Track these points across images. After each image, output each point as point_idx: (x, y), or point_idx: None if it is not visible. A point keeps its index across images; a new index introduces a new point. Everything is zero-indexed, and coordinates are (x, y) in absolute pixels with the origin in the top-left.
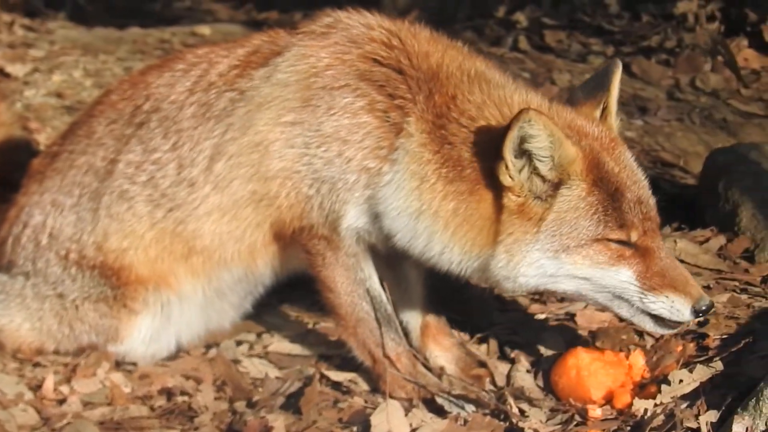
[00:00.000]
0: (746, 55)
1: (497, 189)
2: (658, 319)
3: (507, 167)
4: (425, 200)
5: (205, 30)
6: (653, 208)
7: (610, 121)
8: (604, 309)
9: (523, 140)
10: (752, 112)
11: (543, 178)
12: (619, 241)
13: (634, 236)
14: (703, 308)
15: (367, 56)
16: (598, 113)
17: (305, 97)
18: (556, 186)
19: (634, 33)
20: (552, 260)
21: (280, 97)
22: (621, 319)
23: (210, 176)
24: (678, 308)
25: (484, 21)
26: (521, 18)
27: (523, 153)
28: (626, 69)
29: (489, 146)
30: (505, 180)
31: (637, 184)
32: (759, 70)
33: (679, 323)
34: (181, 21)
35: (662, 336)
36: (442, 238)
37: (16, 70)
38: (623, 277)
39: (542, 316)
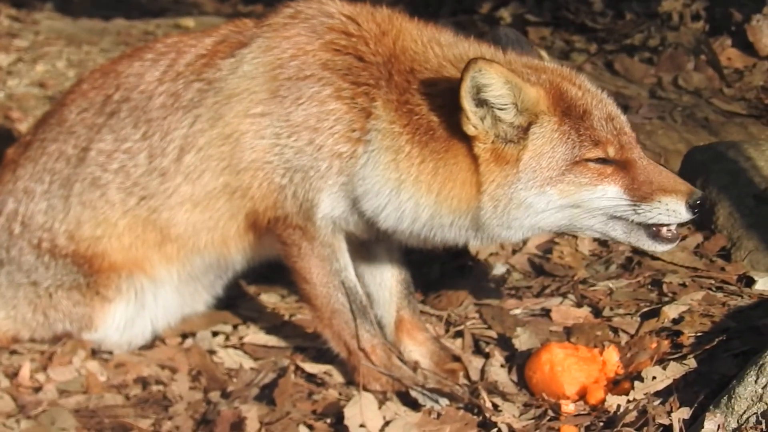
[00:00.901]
0: (729, 54)
1: (469, 141)
2: (655, 235)
3: (468, 117)
4: (403, 169)
5: (189, 22)
6: (626, 124)
7: None
8: (600, 238)
9: (478, 90)
10: (734, 111)
11: (511, 125)
12: (598, 160)
13: (611, 151)
14: (698, 201)
15: (328, 46)
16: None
17: (272, 89)
18: (527, 127)
19: (617, 31)
20: (539, 196)
21: (248, 89)
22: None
23: (180, 167)
24: (674, 209)
25: (467, 17)
26: (505, 14)
27: (482, 102)
28: (609, 67)
29: (453, 103)
30: (469, 130)
31: (603, 102)
32: (742, 69)
33: (676, 237)
34: (166, 13)
35: (637, 332)
36: (428, 202)
37: (0, 59)
38: (611, 194)
39: (517, 311)
